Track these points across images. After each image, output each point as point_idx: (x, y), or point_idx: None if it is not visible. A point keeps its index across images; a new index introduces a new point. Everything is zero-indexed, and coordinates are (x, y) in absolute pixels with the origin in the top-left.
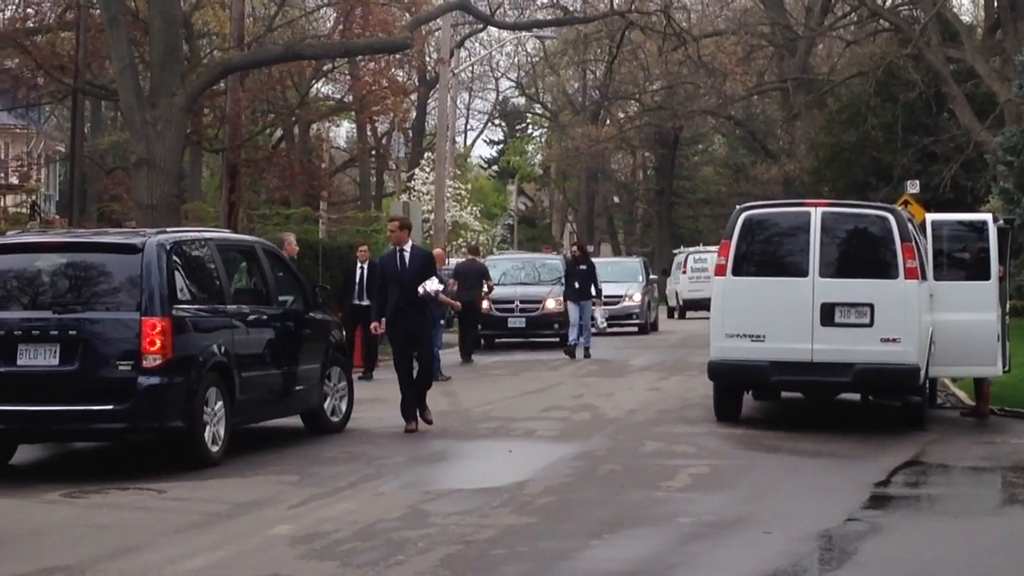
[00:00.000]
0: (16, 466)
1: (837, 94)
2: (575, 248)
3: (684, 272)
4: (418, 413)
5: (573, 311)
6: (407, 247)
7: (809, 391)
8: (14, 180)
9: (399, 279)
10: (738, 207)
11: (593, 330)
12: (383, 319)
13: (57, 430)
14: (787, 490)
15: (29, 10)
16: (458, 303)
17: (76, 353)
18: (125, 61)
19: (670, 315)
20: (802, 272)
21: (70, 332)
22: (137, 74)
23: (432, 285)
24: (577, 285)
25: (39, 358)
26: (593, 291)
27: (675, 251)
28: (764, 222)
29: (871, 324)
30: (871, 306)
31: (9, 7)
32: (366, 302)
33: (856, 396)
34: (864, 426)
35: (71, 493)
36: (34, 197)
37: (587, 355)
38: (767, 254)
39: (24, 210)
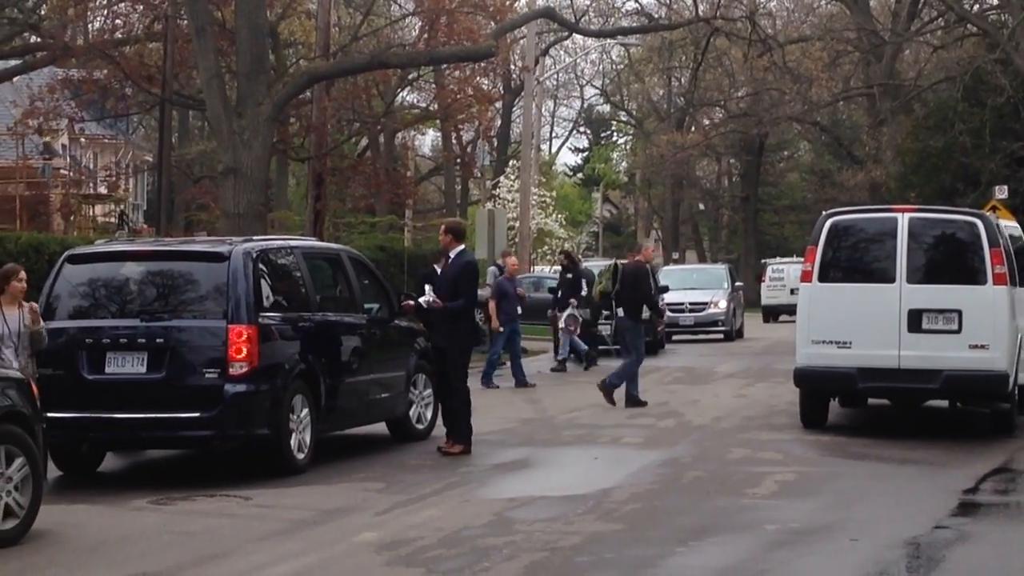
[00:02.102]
0: (104, 473)
1: (924, 99)
2: (563, 256)
3: (762, 281)
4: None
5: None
6: (452, 254)
7: (896, 398)
8: (103, 190)
9: (434, 288)
10: (824, 213)
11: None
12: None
13: (144, 437)
14: (874, 497)
15: (117, 21)
16: (498, 324)
17: (163, 361)
18: (212, 71)
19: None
20: (889, 278)
21: (157, 340)
22: (224, 84)
23: (427, 296)
24: (561, 295)
25: (127, 366)
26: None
27: (763, 260)
28: (850, 228)
29: (959, 330)
30: (959, 312)
31: (97, 18)
32: None
33: (943, 403)
34: (952, 433)
35: (158, 500)
36: (122, 206)
37: (589, 365)
38: (853, 260)
39: (112, 219)
